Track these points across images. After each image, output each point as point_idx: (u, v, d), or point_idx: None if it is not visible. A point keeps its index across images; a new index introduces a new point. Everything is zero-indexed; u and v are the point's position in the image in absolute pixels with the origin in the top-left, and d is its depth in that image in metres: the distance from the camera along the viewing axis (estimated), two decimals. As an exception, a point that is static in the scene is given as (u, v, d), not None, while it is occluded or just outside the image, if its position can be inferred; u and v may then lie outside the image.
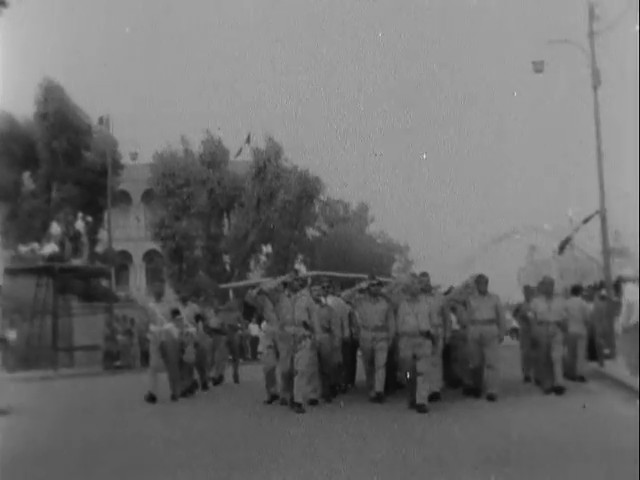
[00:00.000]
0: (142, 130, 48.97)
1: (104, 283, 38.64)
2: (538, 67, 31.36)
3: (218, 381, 20.25)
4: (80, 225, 37.53)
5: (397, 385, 15.72)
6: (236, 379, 20.90)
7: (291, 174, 45.04)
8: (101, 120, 38.85)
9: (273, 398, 15.57)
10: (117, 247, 44.82)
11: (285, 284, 14.94)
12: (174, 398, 16.61)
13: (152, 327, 16.66)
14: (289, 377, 14.30)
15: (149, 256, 53.49)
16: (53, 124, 38.79)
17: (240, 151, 45.47)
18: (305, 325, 14.31)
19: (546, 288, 16.10)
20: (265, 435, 11.68)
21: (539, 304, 15.88)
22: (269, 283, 15.86)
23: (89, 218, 40.18)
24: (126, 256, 53.03)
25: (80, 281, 36.46)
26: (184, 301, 18.67)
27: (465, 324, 15.77)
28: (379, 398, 14.72)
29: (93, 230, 40.57)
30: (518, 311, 18.81)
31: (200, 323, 18.45)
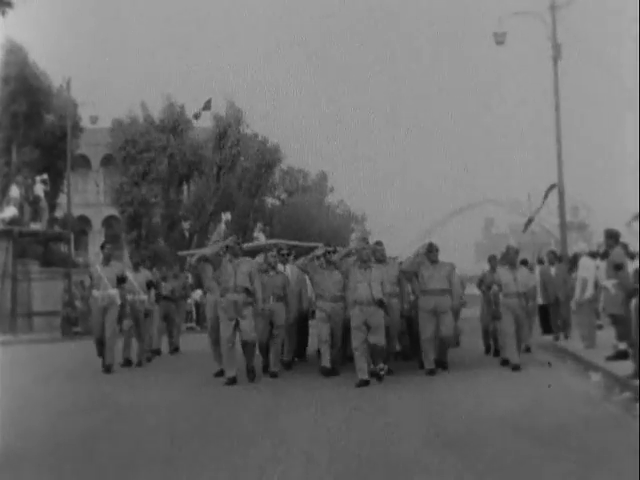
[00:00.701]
0: (102, 93, 48.70)
1: (63, 248, 38.55)
2: (499, 39, 31.73)
3: (174, 350, 20.18)
4: (40, 189, 37.32)
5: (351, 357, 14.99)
6: (176, 348, 20.49)
7: (251, 141, 45.04)
8: (64, 84, 38.65)
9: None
10: (76, 212, 44.56)
11: (227, 249, 14.34)
12: (107, 370, 15.82)
13: (94, 292, 16.05)
14: (232, 348, 13.75)
15: (108, 222, 53.28)
16: (14, 88, 38.48)
17: (198, 115, 45.15)
18: (248, 292, 13.72)
19: (510, 258, 15.54)
20: (203, 409, 11.44)
21: (503, 275, 15.32)
22: (210, 248, 15.45)
23: (49, 182, 39.96)
24: (85, 221, 52.76)
25: (39, 246, 36.37)
26: (136, 267, 17.99)
27: (418, 295, 15.18)
28: (332, 371, 14.34)
29: (52, 194, 40.32)
30: (482, 282, 18.18)
31: (152, 290, 17.80)
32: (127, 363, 16.92)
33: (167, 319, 19.84)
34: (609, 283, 14.88)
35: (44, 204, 36.87)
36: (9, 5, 19.82)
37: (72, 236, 38.44)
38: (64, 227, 38.36)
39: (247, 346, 13.85)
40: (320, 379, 14.03)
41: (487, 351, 17.81)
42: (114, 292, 16.04)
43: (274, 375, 14.62)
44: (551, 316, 19.73)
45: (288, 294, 15.11)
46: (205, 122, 45.54)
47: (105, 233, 54.57)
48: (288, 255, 16.46)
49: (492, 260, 17.90)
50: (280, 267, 15.64)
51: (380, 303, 13.45)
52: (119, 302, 16.13)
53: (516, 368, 14.49)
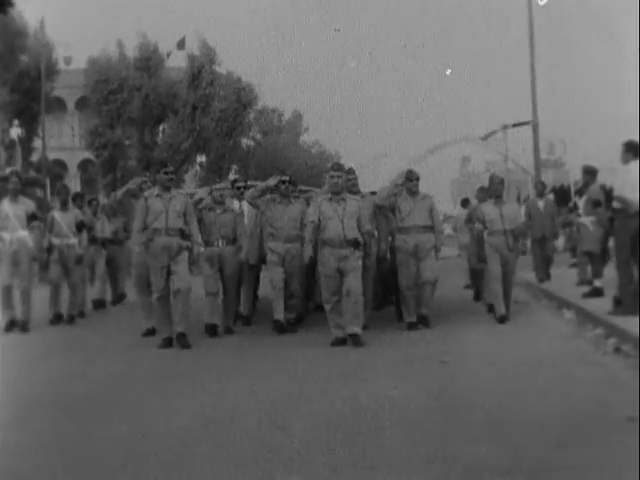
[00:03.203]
0: (77, 33, 48.25)
1: (39, 193, 38.42)
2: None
3: (117, 300, 17.46)
4: (15, 132, 37.08)
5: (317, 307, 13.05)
6: (122, 295, 17.63)
7: (226, 81, 44.81)
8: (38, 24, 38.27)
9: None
10: (51, 156, 44.33)
11: (155, 181, 12.00)
12: (21, 326, 13.29)
13: (3, 233, 13.38)
14: (165, 302, 11.32)
15: (84, 165, 53.08)
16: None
17: (169, 54, 44.66)
18: (182, 233, 11.29)
19: (495, 189, 13.15)
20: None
21: (487, 210, 13.05)
22: (134, 181, 13.53)
23: (24, 126, 39.69)
24: (61, 165, 52.51)
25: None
26: (64, 205, 14.74)
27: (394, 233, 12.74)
28: (285, 327, 12.06)
29: (28, 138, 40.12)
30: (470, 218, 15.78)
31: (84, 233, 15.15)
32: (56, 319, 14.46)
33: (111, 264, 17.23)
34: (587, 220, 14.79)
35: (19, 148, 36.60)
36: (10, 4, 19.28)
37: (47, 180, 38.23)
38: (39, 171, 38.15)
39: (180, 294, 11.20)
40: (279, 338, 11.64)
41: (476, 297, 15.56)
42: (24, 234, 13.50)
43: (229, 331, 12.32)
44: (534, 254, 17.81)
45: (241, 235, 12.42)
46: (179, 62, 45.24)
47: (81, 177, 54.37)
48: (245, 189, 13.34)
49: (481, 193, 15.76)
50: (235, 204, 12.94)
51: (355, 244, 10.93)
52: (30, 245, 13.60)
53: (502, 320, 12.37)
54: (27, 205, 13.69)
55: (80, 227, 14.82)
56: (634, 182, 10.94)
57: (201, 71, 43.97)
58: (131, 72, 42.94)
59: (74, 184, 51.35)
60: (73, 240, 14.56)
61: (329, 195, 11.21)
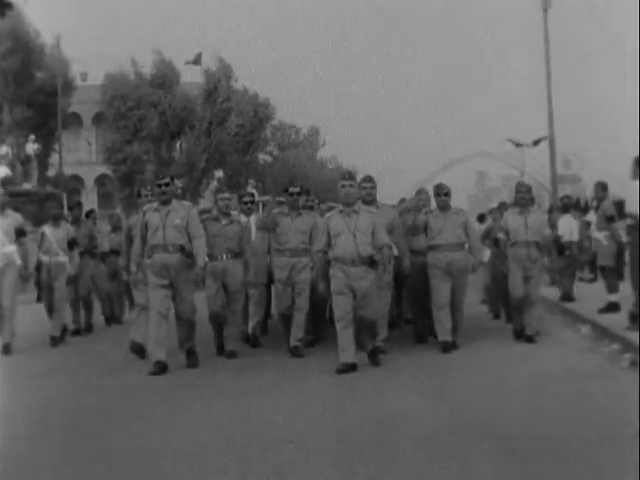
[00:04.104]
0: (93, 50, 48.58)
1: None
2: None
3: (110, 320, 15.98)
4: (31, 148, 37.25)
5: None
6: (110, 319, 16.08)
7: (242, 96, 45.01)
8: (55, 41, 38.49)
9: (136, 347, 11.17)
10: (68, 171, 44.58)
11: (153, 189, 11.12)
12: (4, 349, 12.08)
13: None
14: (162, 323, 10.06)
15: (100, 180, 53.26)
16: (6, 46, 38.33)
17: (189, 62, 44.86)
18: (183, 250, 10.19)
19: (521, 198, 11.97)
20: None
21: (512, 219, 11.98)
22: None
23: (40, 141, 39.86)
24: (78, 180, 52.70)
25: (32, 206, 36.34)
26: (55, 220, 13.66)
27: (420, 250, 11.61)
28: (297, 351, 10.90)
29: (44, 153, 40.30)
30: (490, 233, 14.51)
31: (76, 250, 13.83)
32: (55, 340, 13.26)
33: (115, 277, 15.64)
34: (601, 235, 14.74)
35: (35, 163, 36.78)
36: (9, 7, 19.55)
37: (64, 195, 38.40)
38: (56, 186, 38.30)
39: (183, 322, 10.37)
40: (289, 362, 10.62)
41: (496, 317, 14.73)
42: (11, 249, 12.63)
43: (232, 355, 11.05)
44: (560, 270, 17.09)
45: (248, 250, 11.41)
46: (195, 77, 45.52)
47: (98, 191, 54.58)
48: (252, 204, 12.80)
49: (502, 207, 14.94)
50: (243, 219, 12.01)
51: (371, 262, 9.82)
52: (18, 262, 12.68)
53: (530, 339, 11.51)
54: (15, 219, 12.84)
55: (72, 244, 13.69)
56: None
57: (217, 87, 44.22)
58: (147, 88, 43.18)
59: (91, 199, 51.57)
60: (63, 258, 13.53)
61: (340, 207, 10.06)
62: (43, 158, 39.88)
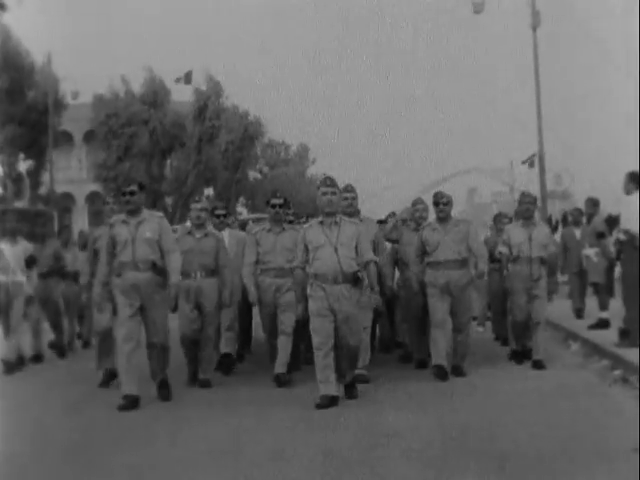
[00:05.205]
0: (83, 68, 48.59)
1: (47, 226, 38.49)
2: (478, 8, 31.85)
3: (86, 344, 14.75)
4: (22, 166, 37.22)
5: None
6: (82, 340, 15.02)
7: (232, 114, 45.09)
8: (45, 59, 38.55)
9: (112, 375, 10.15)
10: (59, 189, 44.52)
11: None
12: None
13: None
14: (132, 354, 8.91)
15: (92, 198, 53.17)
16: (-3, 64, 38.42)
17: (179, 80, 44.88)
18: (155, 267, 9.09)
19: (525, 209, 11.12)
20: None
21: (514, 232, 11.09)
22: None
23: (32, 159, 39.86)
24: (69, 198, 52.59)
25: (25, 224, 36.30)
26: (12, 236, 12.67)
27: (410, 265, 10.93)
28: (280, 380, 9.78)
29: (36, 171, 40.31)
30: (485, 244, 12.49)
31: (34, 269, 13.00)
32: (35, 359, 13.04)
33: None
34: (591, 252, 14.71)
35: (27, 182, 36.74)
36: (2, 7, 19.73)
37: (56, 213, 38.35)
38: (47, 204, 38.27)
39: (155, 350, 9.29)
40: (271, 392, 9.56)
41: (497, 338, 13.78)
42: (21, 280, 12.38)
43: (206, 384, 10.08)
44: (572, 287, 16.10)
45: (224, 266, 10.27)
46: (185, 96, 45.55)
47: (89, 209, 54.46)
48: (225, 217, 11.71)
49: (497, 219, 14.05)
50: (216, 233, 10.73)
51: (355, 280, 8.69)
52: (28, 293, 12.44)
53: (539, 365, 10.67)
54: (25, 248, 12.67)
55: (30, 263, 12.77)
56: (637, 213, 10.86)
57: (207, 104, 44.28)
58: (138, 106, 43.24)
59: (82, 216, 51.41)
60: (20, 277, 12.57)
61: (320, 218, 8.82)
62: (35, 176, 39.89)
